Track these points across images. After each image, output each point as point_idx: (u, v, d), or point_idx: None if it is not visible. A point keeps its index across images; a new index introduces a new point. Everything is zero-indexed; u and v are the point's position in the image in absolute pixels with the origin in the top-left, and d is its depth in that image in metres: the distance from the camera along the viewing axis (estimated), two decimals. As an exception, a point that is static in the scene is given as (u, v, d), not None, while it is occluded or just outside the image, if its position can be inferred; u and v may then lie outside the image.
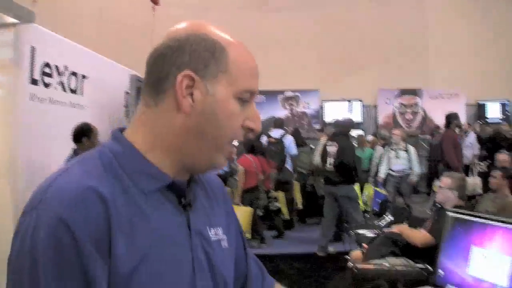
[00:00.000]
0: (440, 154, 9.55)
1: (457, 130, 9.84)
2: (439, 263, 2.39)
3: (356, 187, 8.52)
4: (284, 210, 9.57)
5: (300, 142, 10.36)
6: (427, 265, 3.76)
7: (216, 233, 1.29)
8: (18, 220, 1.04)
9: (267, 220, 9.22)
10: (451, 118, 9.53)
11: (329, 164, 7.89)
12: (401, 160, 9.86)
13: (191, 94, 1.11)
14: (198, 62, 1.12)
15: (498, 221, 2.15)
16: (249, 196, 8.23)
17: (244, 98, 1.16)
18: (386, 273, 4.02)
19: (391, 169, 9.88)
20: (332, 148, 7.91)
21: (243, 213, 7.43)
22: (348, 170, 7.79)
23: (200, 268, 1.19)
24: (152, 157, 1.15)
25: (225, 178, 8.64)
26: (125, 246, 1.03)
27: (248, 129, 1.20)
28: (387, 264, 4.09)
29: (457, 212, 2.40)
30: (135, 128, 1.20)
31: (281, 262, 7.50)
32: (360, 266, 4.23)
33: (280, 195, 9.37)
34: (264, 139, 9.43)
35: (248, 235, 7.88)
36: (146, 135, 1.16)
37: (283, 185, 9.57)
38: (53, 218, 0.97)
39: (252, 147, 8.38)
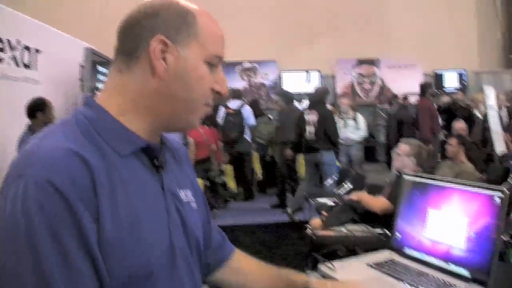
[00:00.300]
0: (415, 124, 9.58)
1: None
2: (396, 226, 2.41)
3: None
4: (231, 184, 9.69)
5: (259, 113, 10.33)
6: (386, 230, 3.80)
7: (186, 195, 1.36)
8: (1, 191, 1.05)
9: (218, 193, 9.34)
10: (425, 87, 9.55)
11: (309, 133, 7.97)
12: (349, 129, 9.95)
13: (164, 59, 1.17)
14: (171, 27, 1.18)
15: (454, 183, 2.17)
16: (201, 167, 8.20)
17: (213, 63, 1.24)
18: (344, 239, 4.04)
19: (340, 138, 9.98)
20: (311, 117, 7.97)
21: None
22: (330, 137, 7.90)
23: (175, 228, 1.25)
24: (125, 120, 1.19)
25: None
26: (110, 210, 1.07)
27: (216, 92, 1.27)
28: (345, 231, 4.12)
29: (414, 175, 2.41)
30: (107, 93, 1.23)
31: (242, 233, 7.51)
32: (319, 233, 4.26)
33: (228, 168, 9.45)
34: (222, 110, 9.38)
35: None
36: (119, 99, 1.20)
37: (241, 156, 9.57)
38: (41, 183, 0.99)
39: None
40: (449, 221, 2.12)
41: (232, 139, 9.24)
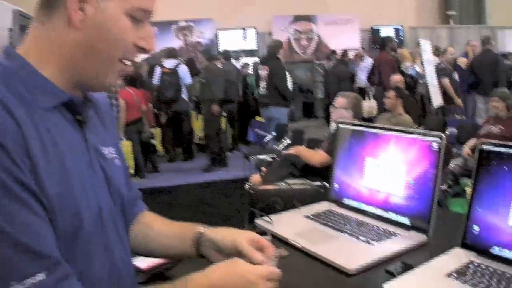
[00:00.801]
0: (377, 77, 9.63)
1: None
2: (334, 177, 2.37)
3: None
4: (159, 147, 9.93)
5: (195, 72, 10.23)
6: (324, 183, 3.78)
7: (110, 152, 1.33)
8: None
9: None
10: (385, 41, 9.62)
11: (262, 88, 7.99)
12: None
13: (83, 9, 1.11)
14: None
15: (391, 130, 2.13)
16: (134, 129, 8.13)
17: (137, 17, 1.17)
18: (282, 192, 4.01)
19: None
20: (263, 72, 8.00)
21: (123, 147, 7.51)
22: (280, 92, 7.95)
23: (100, 185, 1.23)
24: (46, 73, 1.14)
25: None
26: (43, 163, 1.03)
27: (141, 48, 1.21)
28: (284, 185, 4.09)
29: (351, 124, 2.37)
30: (27, 45, 1.17)
31: (182, 193, 7.50)
32: (257, 188, 4.22)
33: (157, 131, 9.57)
34: (158, 70, 9.25)
35: (132, 171, 7.85)
36: (39, 51, 1.14)
37: (179, 115, 9.47)
38: None
39: (133, 80, 8.35)
40: (388, 169, 2.08)
41: (169, 99, 9.14)
